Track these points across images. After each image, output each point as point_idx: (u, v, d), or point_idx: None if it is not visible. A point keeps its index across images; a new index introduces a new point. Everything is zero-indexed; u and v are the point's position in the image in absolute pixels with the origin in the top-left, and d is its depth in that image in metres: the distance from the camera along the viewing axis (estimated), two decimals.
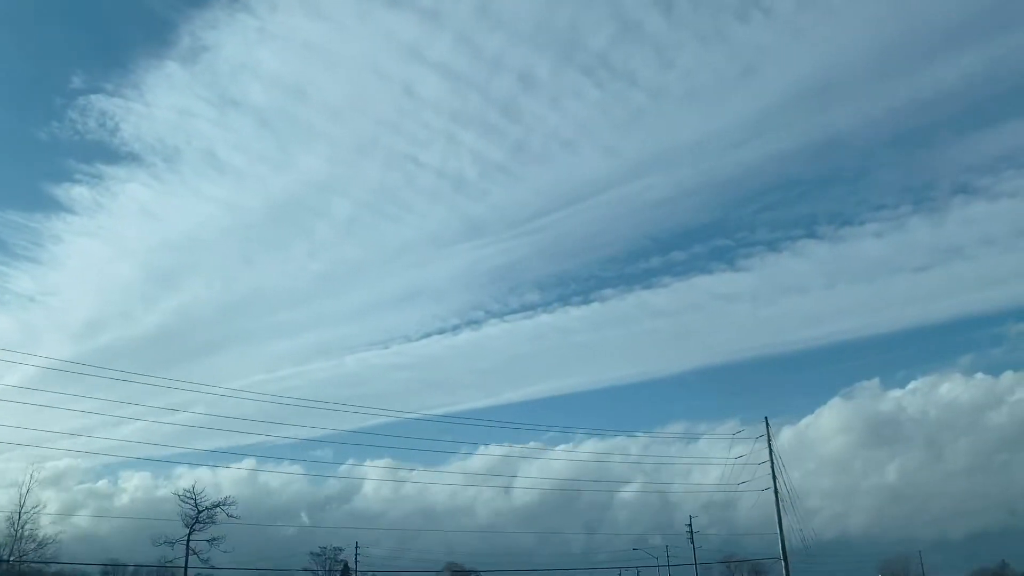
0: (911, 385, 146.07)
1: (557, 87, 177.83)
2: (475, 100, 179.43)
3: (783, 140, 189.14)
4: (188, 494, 71.51)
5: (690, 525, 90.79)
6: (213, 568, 71.27)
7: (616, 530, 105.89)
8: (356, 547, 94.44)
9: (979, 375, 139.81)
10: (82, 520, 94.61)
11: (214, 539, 70.36)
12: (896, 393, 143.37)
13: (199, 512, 71.00)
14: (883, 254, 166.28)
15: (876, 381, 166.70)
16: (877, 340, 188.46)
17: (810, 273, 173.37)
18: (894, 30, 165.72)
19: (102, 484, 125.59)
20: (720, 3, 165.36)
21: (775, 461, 65.59)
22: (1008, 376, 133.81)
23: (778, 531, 63.61)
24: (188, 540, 69.83)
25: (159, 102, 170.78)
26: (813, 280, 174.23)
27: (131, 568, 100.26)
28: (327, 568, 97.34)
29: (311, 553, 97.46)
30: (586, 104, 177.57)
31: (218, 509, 71.72)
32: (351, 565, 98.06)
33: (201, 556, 70.38)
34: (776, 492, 64.49)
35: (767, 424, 66.73)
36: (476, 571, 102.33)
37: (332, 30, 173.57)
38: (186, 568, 69.26)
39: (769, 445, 66.09)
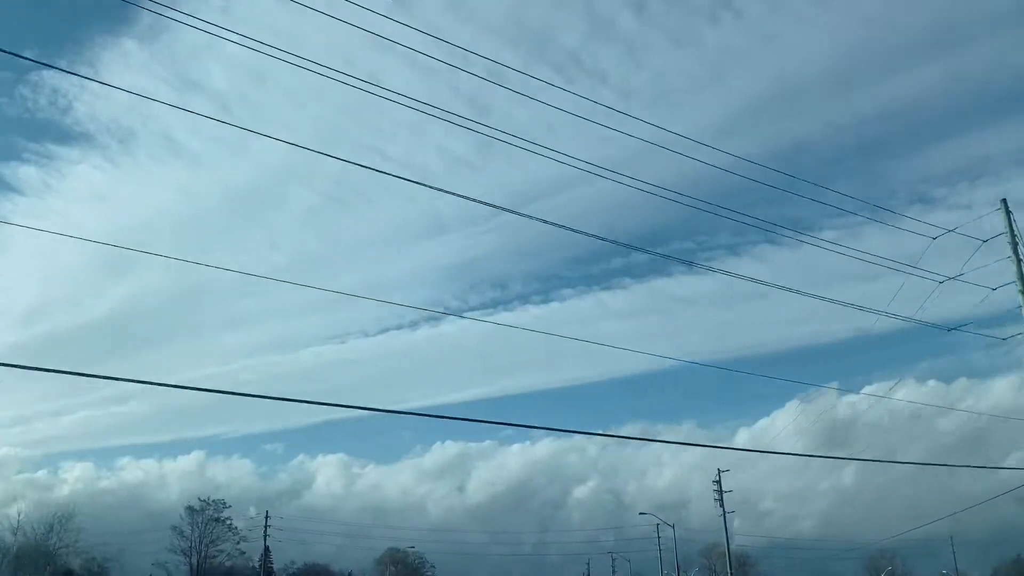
0: (866, 390, 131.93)
1: (527, 83, 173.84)
2: (442, 93, 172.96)
3: (748, 144, 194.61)
4: None
5: (719, 480, 66.50)
6: None
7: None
8: (267, 517, 62.33)
9: (932, 382, 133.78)
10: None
11: None
12: (852, 398, 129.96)
13: None
14: (840, 261, 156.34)
15: (834, 385, 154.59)
16: (834, 346, 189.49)
17: (769, 278, 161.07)
18: (861, 39, 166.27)
19: (41, 474, 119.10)
20: (692, 4, 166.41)
21: (1016, 230, 36.38)
22: (961, 383, 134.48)
23: None
24: None
25: (115, 81, 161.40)
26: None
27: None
28: (202, 526, 64.90)
29: (187, 507, 66.25)
30: (555, 102, 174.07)
31: None
32: (267, 545, 68.48)
33: None
34: None
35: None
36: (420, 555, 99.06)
37: (297, 14, 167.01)
38: None
39: (1007, 210, 37.18)
